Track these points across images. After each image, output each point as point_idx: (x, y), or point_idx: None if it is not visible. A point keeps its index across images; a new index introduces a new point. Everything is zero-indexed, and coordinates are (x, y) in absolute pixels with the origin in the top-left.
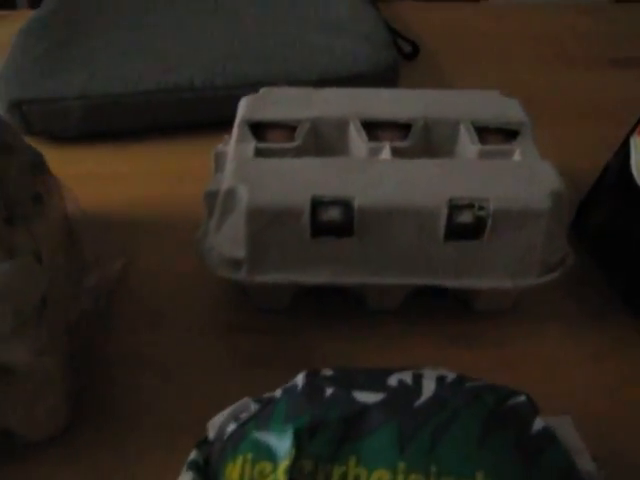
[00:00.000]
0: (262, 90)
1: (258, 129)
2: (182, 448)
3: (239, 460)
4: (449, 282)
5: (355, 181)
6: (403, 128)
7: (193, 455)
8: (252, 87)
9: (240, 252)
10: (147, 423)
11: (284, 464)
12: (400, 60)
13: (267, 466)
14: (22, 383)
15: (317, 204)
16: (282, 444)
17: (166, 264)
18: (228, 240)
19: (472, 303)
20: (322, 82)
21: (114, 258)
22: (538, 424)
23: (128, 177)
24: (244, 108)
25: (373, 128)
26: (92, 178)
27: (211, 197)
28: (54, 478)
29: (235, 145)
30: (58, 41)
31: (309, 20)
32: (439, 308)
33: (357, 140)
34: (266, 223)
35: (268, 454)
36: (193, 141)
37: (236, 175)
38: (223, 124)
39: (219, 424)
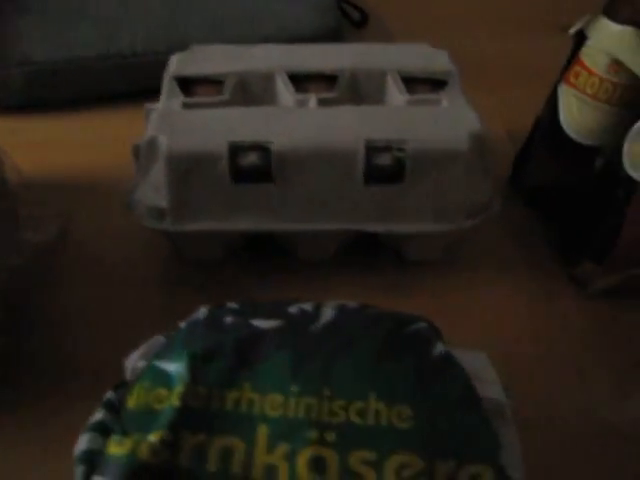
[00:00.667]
0: (192, 47)
1: (188, 85)
2: None
3: (136, 389)
4: (372, 227)
5: (274, 127)
6: (330, 80)
7: (108, 395)
8: None
9: (163, 201)
10: (77, 376)
11: (178, 389)
12: (348, 27)
13: (162, 392)
14: None
15: (235, 149)
16: (178, 370)
17: (104, 222)
18: (152, 190)
19: (403, 252)
20: None
21: (53, 218)
22: (439, 348)
23: (71, 144)
24: (173, 65)
25: (301, 81)
26: (35, 146)
27: (137, 150)
28: None
29: (163, 100)
30: None
31: None
32: (372, 259)
33: (284, 92)
34: (185, 170)
35: (165, 381)
36: (137, 107)
37: (158, 126)
38: None
39: (133, 363)
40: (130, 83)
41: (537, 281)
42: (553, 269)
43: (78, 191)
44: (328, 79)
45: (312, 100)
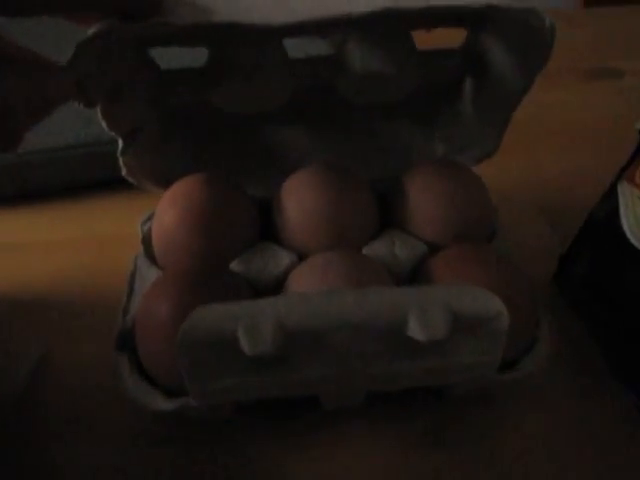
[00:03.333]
0: None
1: None
2: None
3: None
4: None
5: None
6: None
7: None
8: None
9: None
10: None
11: None
12: None
13: None
14: None
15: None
16: None
17: (85, 357)
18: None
19: (447, 390)
20: None
21: (29, 348)
22: None
23: (47, 246)
24: None
25: None
26: (2, 251)
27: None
28: None
29: None
30: None
31: None
32: (408, 400)
33: None
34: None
35: None
36: (118, 200)
37: None
38: None
39: None
40: (111, 173)
41: (596, 411)
42: (611, 392)
43: (55, 307)
44: None
45: None
